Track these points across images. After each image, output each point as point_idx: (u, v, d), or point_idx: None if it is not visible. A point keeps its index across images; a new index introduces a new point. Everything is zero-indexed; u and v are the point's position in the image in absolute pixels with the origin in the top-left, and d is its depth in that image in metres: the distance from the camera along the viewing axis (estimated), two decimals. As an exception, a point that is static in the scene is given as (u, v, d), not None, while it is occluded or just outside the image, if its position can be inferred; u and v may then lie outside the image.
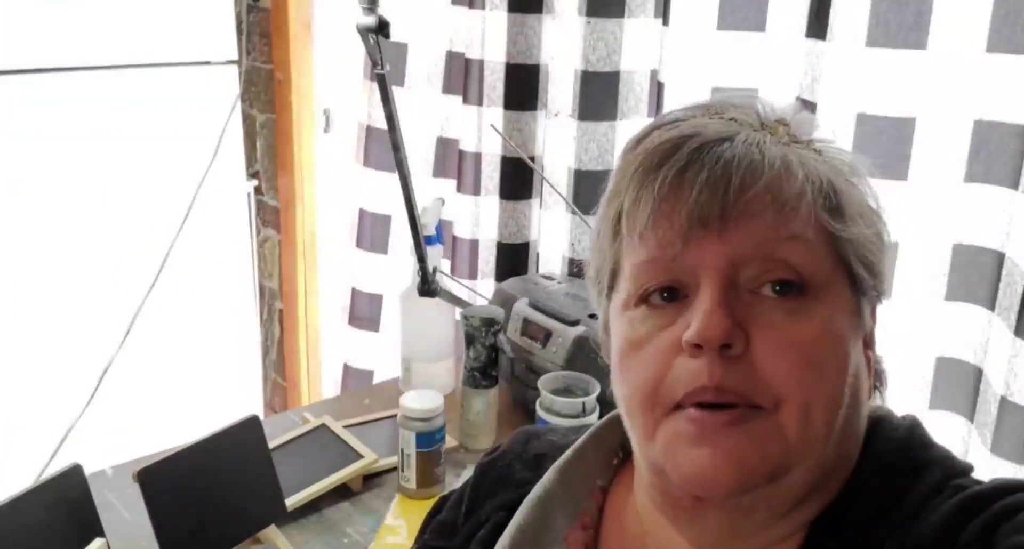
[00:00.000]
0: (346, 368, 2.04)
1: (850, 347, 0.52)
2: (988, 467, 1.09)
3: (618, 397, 0.56)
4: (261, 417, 1.09)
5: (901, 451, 0.54)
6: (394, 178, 1.82)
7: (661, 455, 0.52)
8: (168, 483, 0.98)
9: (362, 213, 1.90)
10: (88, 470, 1.00)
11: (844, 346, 0.51)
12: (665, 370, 0.51)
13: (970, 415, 1.17)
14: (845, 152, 0.56)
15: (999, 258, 1.11)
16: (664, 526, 0.57)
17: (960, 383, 1.18)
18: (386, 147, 1.81)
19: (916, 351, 1.19)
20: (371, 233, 1.91)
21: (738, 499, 0.51)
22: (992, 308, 1.12)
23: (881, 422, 0.56)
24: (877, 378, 0.57)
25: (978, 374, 1.15)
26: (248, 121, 2.42)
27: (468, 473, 1.26)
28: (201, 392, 2.24)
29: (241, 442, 1.06)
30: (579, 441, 0.64)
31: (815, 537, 0.53)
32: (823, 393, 0.50)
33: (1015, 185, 1.08)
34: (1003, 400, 1.08)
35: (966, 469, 0.54)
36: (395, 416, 1.32)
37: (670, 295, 0.53)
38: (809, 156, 0.53)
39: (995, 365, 1.12)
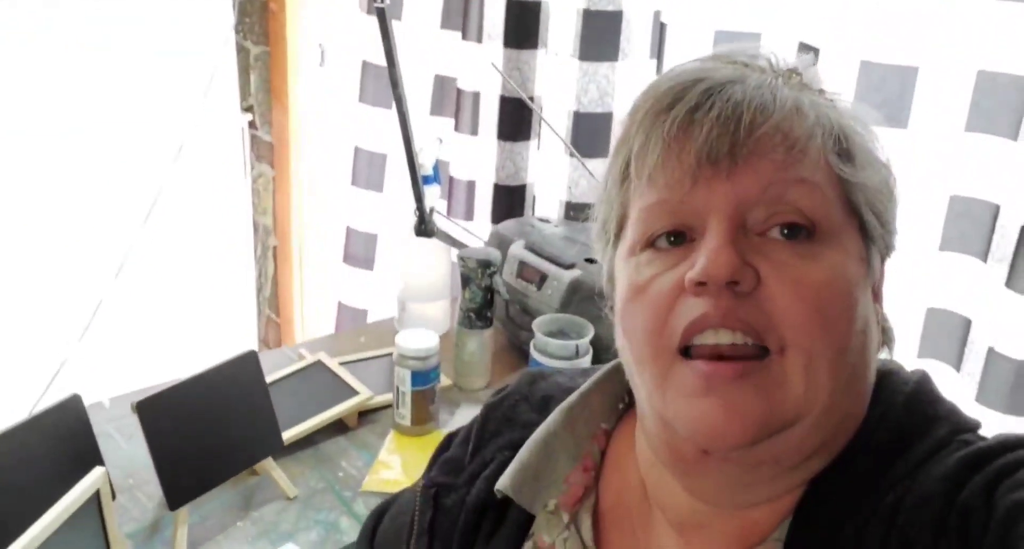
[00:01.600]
0: (340, 306, 2.05)
1: (859, 295, 0.51)
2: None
3: (622, 348, 0.55)
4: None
5: (908, 405, 0.54)
6: (391, 115, 1.80)
7: (670, 407, 0.51)
8: (166, 415, 1.00)
9: (358, 151, 1.89)
10: (86, 402, 1.01)
11: (853, 293, 0.51)
12: (668, 311, 0.51)
13: (957, 365, 1.19)
14: (857, 104, 0.55)
15: (994, 209, 1.11)
16: (664, 475, 0.57)
17: (948, 333, 1.19)
18: (383, 84, 1.79)
19: (908, 300, 1.20)
20: (367, 171, 1.89)
21: (745, 452, 0.50)
22: (985, 259, 1.13)
23: (890, 376, 0.56)
24: (885, 334, 0.56)
25: (967, 324, 1.17)
26: (242, 53, 2.38)
27: (462, 411, 1.28)
28: (195, 328, 2.25)
29: (239, 376, 1.07)
30: (585, 385, 0.64)
31: (818, 489, 0.52)
32: (830, 340, 0.49)
33: (1015, 136, 1.07)
34: (990, 351, 1.10)
35: (974, 425, 0.54)
36: (390, 355, 1.34)
37: (677, 239, 0.52)
38: (820, 101, 0.53)
39: (984, 316, 1.13)
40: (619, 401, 0.65)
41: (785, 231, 0.50)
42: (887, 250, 0.55)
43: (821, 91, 0.55)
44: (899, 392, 0.54)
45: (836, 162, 0.51)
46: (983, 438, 0.52)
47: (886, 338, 0.56)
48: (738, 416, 0.49)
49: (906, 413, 0.54)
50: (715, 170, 0.50)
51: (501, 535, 0.61)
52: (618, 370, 0.63)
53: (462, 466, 0.66)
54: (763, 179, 0.50)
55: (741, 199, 0.50)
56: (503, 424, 0.67)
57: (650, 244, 0.53)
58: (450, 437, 0.71)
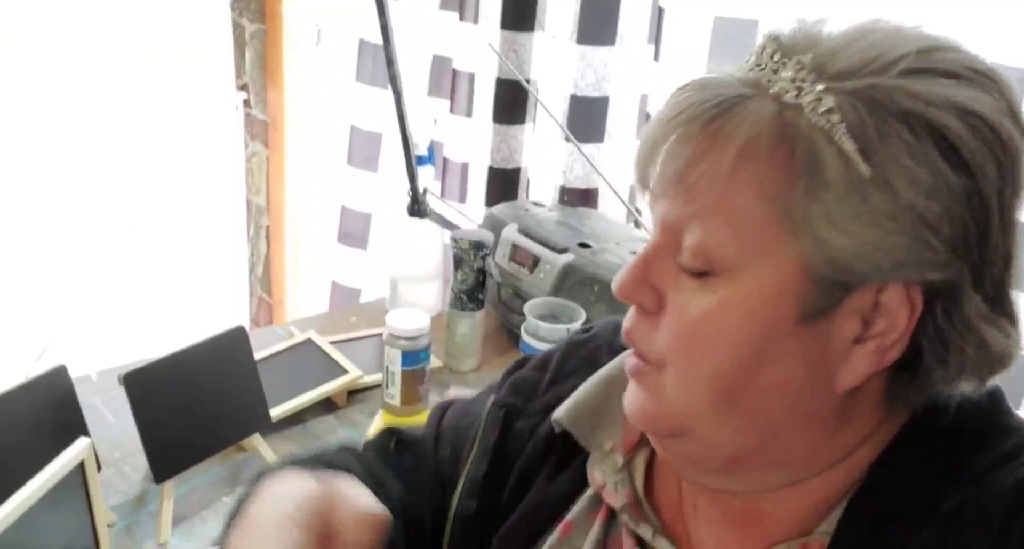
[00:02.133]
0: (334, 285, 2.04)
1: (772, 330, 0.48)
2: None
3: None
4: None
5: (978, 413, 0.53)
6: (386, 95, 1.79)
7: None
8: (153, 388, 0.99)
9: (353, 130, 1.88)
10: (74, 375, 1.00)
11: (747, 328, 0.48)
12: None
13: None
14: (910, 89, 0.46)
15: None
16: None
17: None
18: (379, 63, 1.78)
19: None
20: (362, 151, 1.88)
21: (666, 444, 0.55)
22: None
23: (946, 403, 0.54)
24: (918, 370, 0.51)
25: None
26: (238, 31, 2.36)
27: (452, 392, 1.28)
28: (187, 307, 2.24)
29: (227, 351, 1.06)
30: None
31: (870, 486, 0.52)
32: (703, 370, 0.50)
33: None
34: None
35: None
36: (380, 334, 1.33)
37: None
38: (791, 111, 0.47)
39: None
40: None
41: (687, 259, 0.50)
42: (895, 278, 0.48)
43: (850, 75, 0.47)
44: (967, 400, 0.52)
45: (769, 187, 0.47)
46: None
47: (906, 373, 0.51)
48: (636, 403, 0.54)
49: (975, 420, 0.52)
50: (661, 192, 0.51)
51: (566, 475, 0.62)
52: None
53: (536, 393, 0.67)
54: (671, 208, 0.50)
55: (665, 224, 0.51)
56: (584, 364, 0.67)
57: None
58: (524, 359, 0.72)
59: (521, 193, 1.69)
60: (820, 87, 0.46)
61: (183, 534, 1.00)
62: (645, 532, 0.58)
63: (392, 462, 0.71)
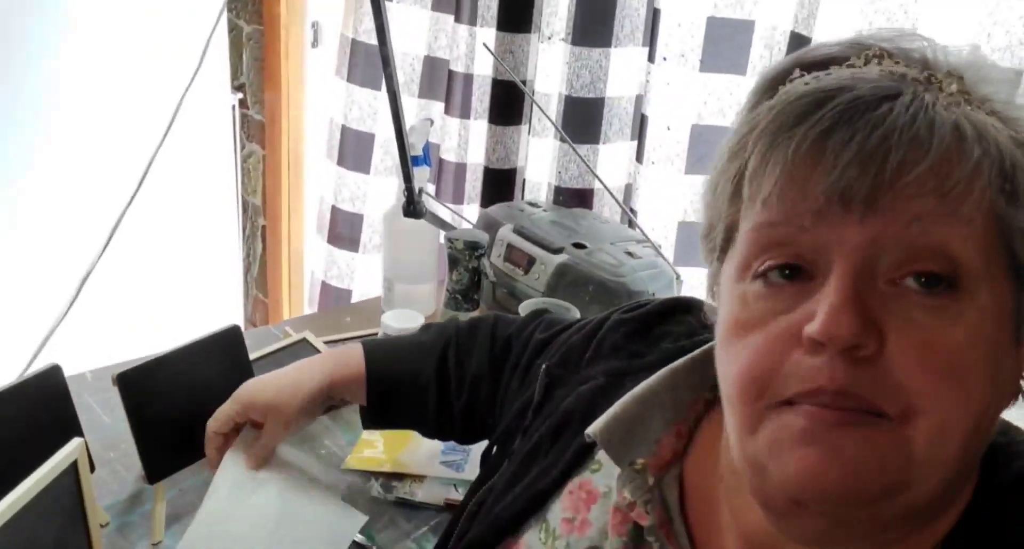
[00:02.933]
0: (323, 286, 2.04)
1: (1003, 356, 0.44)
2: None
3: (720, 375, 0.50)
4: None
5: None
6: (377, 96, 1.79)
7: (764, 451, 0.45)
8: (147, 388, 0.99)
9: (344, 130, 1.88)
10: (68, 374, 1.00)
11: (996, 355, 0.44)
12: (777, 363, 0.45)
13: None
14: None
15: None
16: (743, 490, 0.52)
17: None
18: (371, 63, 1.78)
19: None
20: (353, 151, 1.88)
21: (846, 511, 0.45)
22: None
23: (1009, 433, 0.52)
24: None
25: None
26: (234, 32, 2.36)
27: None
28: (182, 307, 2.24)
29: (222, 350, 1.06)
30: (697, 352, 0.61)
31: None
32: (965, 410, 0.43)
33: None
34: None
35: None
36: (375, 334, 1.33)
37: (792, 273, 0.45)
38: (988, 123, 0.44)
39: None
40: (699, 395, 0.62)
41: (923, 279, 0.43)
42: None
43: (985, 101, 0.46)
44: (1020, 465, 0.50)
45: (1000, 202, 0.43)
46: None
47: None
48: (846, 468, 0.43)
49: None
50: (846, 211, 0.43)
51: (569, 452, 0.63)
52: (687, 368, 0.62)
53: (579, 365, 0.70)
54: (903, 220, 0.42)
55: (874, 242, 0.43)
56: (613, 349, 0.68)
57: (763, 275, 0.46)
58: (583, 324, 0.74)
59: (516, 193, 1.69)
60: (985, 106, 0.46)
61: (176, 534, 0.99)
62: None
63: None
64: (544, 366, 0.70)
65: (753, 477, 0.48)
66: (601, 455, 0.61)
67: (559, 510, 0.62)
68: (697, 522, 0.57)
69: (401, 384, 0.88)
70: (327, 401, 0.91)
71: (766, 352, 0.45)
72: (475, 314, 1.35)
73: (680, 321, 0.68)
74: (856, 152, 0.42)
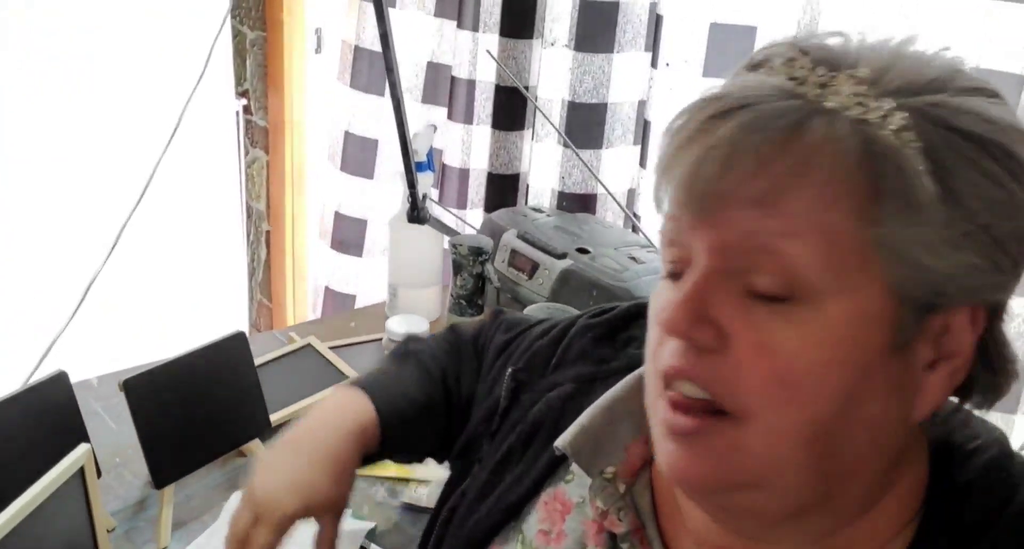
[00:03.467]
0: (327, 291, 2.05)
1: (869, 363, 0.45)
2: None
3: None
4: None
5: (993, 475, 0.51)
6: (381, 102, 1.80)
7: (654, 433, 0.51)
8: (153, 393, 1.00)
9: (347, 136, 1.88)
10: (74, 381, 1.01)
11: (855, 363, 0.45)
12: (659, 346, 0.50)
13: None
14: (980, 114, 0.45)
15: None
16: None
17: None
18: (374, 69, 1.79)
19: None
20: (357, 157, 1.89)
21: (719, 498, 0.50)
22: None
23: (963, 443, 0.53)
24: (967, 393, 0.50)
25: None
26: (238, 38, 2.37)
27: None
28: (187, 312, 2.25)
29: (227, 357, 1.07)
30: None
31: None
32: (797, 416, 0.45)
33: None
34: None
35: None
36: (380, 339, 1.34)
37: (679, 274, 0.49)
38: (856, 132, 0.44)
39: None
40: None
41: (762, 284, 0.45)
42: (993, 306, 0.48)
43: (917, 93, 0.45)
44: (977, 461, 0.52)
45: (859, 207, 0.43)
46: None
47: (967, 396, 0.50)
48: (694, 464, 0.48)
49: (991, 482, 0.51)
50: (700, 212, 0.46)
51: (541, 461, 0.63)
52: None
53: (545, 370, 0.69)
54: (741, 227, 0.45)
55: (721, 246, 0.46)
56: (580, 355, 0.68)
57: (669, 274, 0.50)
58: (551, 326, 0.73)
59: (520, 199, 1.70)
60: (889, 104, 0.45)
61: (183, 539, 1.00)
62: None
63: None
64: (510, 371, 0.70)
65: None
66: (574, 465, 0.62)
67: (535, 522, 0.62)
68: (670, 526, 0.59)
69: (413, 421, 0.75)
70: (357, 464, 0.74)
71: (656, 336, 0.50)
72: (478, 319, 1.35)
73: (644, 325, 0.68)
74: (699, 158, 0.45)
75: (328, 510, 0.67)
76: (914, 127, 0.44)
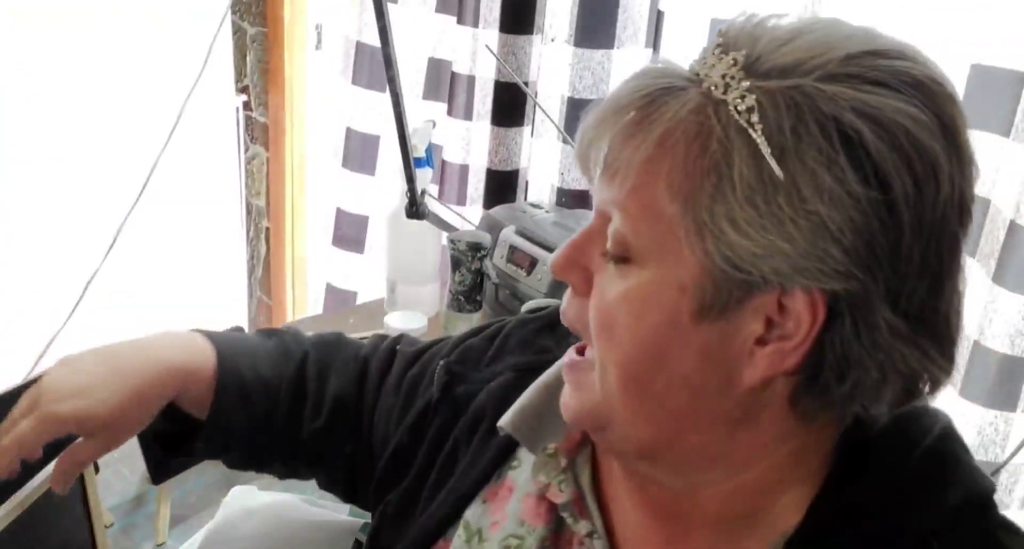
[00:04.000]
0: (329, 288, 2.05)
1: (665, 323, 0.49)
2: (956, 411, 1.12)
3: None
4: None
5: (930, 460, 0.54)
6: (383, 98, 1.80)
7: None
8: (151, 390, 1.00)
9: (349, 132, 1.88)
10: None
11: (647, 318, 0.49)
12: None
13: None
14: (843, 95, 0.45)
15: (984, 204, 1.11)
16: None
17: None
18: (375, 65, 1.79)
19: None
20: (358, 153, 1.89)
21: (593, 436, 0.58)
22: (973, 255, 1.14)
23: (912, 423, 0.55)
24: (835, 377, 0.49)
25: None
26: (238, 34, 2.37)
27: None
28: (187, 309, 2.25)
29: (224, 353, 1.07)
30: None
31: (806, 531, 0.53)
32: (614, 356, 0.51)
33: (1007, 133, 1.08)
34: (975, 344, 1.11)
35: (985, 496, 0.53)
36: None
37: None
38: (714, 107, 0.46)
39: (971, 310, 1.14)
40: None
41: (610, 243, 0.51)
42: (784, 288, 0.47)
43: (753, 108, 0.46)
44: (916, 440, 0.54)
45: (680, 181, 0.47)
46: (997, 519, 0.53)
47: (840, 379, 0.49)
48: (567, 402, 0.56)
49: (918, 472, 0.53)
50: (586, 175, 0.53)
51: (488, 450, 0.65)
52: None
53: (480, 363, 0.70)
54: (601, 193, 0.52)
55: (596, 209, 0.53)
56: (520, 345, 0.70)
57: None
58: (482, 327, 0.74)
59: (519, 195, 1.70)
60: (746, 85, 0.46)
61: (180, 535, 1.00)
62: (582, 529, 0.59)
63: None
64: (442, 363, 0.70)
65: None
66: (521, 452, 0.64)
67: (481, 511, 0.64)
68: (611, 496, 0.61)
69: (252, 393, 0.70)
70: (162, 403, 0.68)
71: None
72: (478, 316, 1.35)
73: None
74: (586, 127, 0.51)
75: (102, 431, 0.65)
76: (762, 109, 0.45)
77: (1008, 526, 0.53)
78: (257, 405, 0.70)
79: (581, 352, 0.55)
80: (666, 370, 0.50)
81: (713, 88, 0.47)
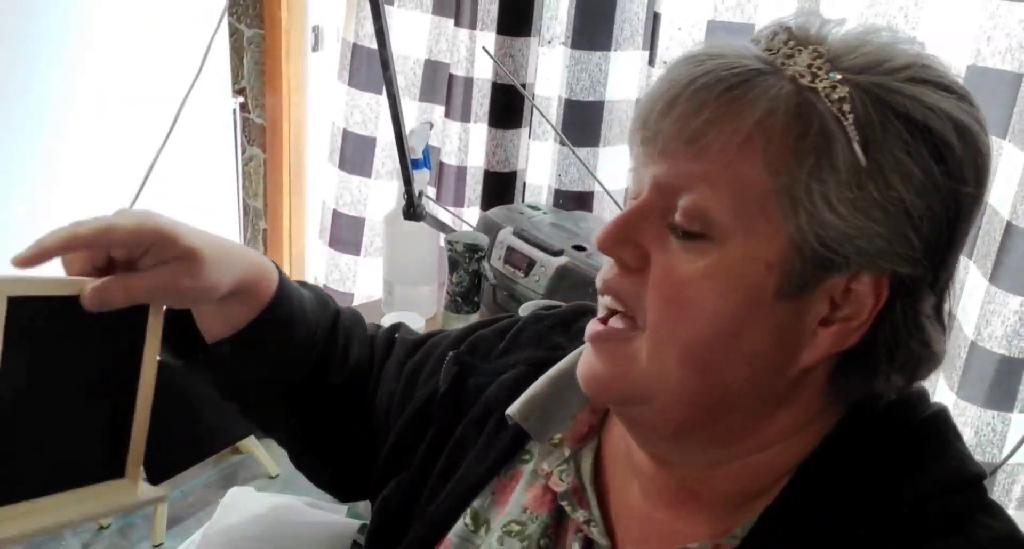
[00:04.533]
0: (325, 290, 2.04)
1: (744, 300, 0.50)
2: (953, 412, 1.12)
3: None
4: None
5: (918, 435, 0.55)
6: (379, 100, 1.80)
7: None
8: (149, 391, 0.99)
9: (346, 134, 1.88)
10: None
11: (729, 295, 0.50)
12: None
13: (939, 358, 1.20)
14: (904, 92, 0.49)
15: (981, 206, 1.11)
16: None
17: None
18: (372, 67, 1.79)
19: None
20: (354, 155, 1.89)
21: (620, 409, 0.57)
22: (970, 256, 1.14)
23: (906, 402, 0.56)
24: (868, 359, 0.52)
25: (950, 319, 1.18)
26: (235, 36, 2.37)
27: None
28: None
29: (222, 354, 1.06)
30: None
31: (789, 494, 0.54)
32: (680, 334, 0.51)
33: (1003, 134, 1.08)
34: (973, 345, 1.11)
35: (971, 479, 0.54)
36: (376, 337, 1.33)
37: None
38: (799, 99, 0.48)
39: (968, 310, 1.14)
40: None
41: (681, 220, 0.51)
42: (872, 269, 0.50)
43: (830, 87, 0.49)
44: (908, 420, 0.55)
45: (774, 160, 0.48)
46: (987, 506, 0.53)
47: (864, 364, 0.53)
48: (594, 371, 0.55)
49: (911, 441, 0.54)
50: (647, 147, 0.52)
51: (499, 442, 0.65)
52: None
53: (490, 355, 0.71)
54: (672, 166, 0.51)
55: (657, 182, 0.52)
56: (534, 340, 0.70)
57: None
58: (492, 320, 0.75)
59: (516, 196, 1.70)
60: (837, 76, 0.49)
61: (178, 535, 1.00)
62: (580, 517, 0.60)
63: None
64: (452, 354, 0.71)
65: None
66: (532, 445, 0.65)
67: (490, 501, 0.65)
68: (612, 487, 0.63)
69: (293, 329, 0.68)
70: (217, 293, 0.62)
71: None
72: (475, 317, 1.35)
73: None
74: (649, 101, 0.52)
75: (182, 260, 0.58)
76: (853, 101, 0.48)
77: (991, 508, 0.54)
78: (296, 334, 0.68)
79: (602, 317, 0.55)
80: (736, 348, 0.51)
81: (798, 76, 0.49)
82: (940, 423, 0.56)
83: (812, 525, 0.52)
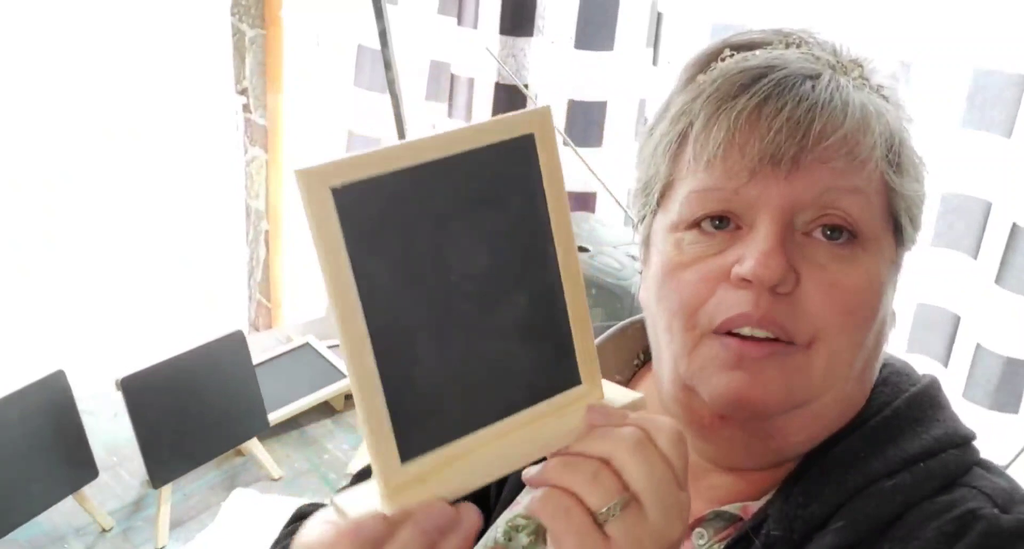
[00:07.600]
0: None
1: (885, 295, 0.55)
2: (958, 413, 1.11)
3: (653, 311, 0.58)
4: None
5: (911, 401, 0.57)
6: (383, 100, 1.79)
7: (696, 374, 0.54)
8: (151, 392, 0.99)
9: (349, 134, 1.88)
10: (72, 379, 1.00)
11: (880, 296, 0.54)
12: (708, 295, 0.53)
13: (945, 360, 1.19)
14: (905, 101, 0.56)
15: (986, 206, 1.11)
16: None
17: (937, 328, 1.20)
18: (376, 67, 1.78)
19: (897, 295, 1.21)
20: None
21: (760, 422, 0.55)
22: (975, 256, 1.13)
23: (900, 374, 0.59)
24: (892, 317, 0.59)
25: (956, 320, 1.17)
26: (237, 36, 2.36)
27: None
28: (186, 311, 2.24)
29: (225, 356, 1.06)
30: (600, 338, 0.66)
31: (804, 466, 0.56)
32: (853, 338, 0.53)
33: (1009, 134, 1.07)
34: (978, 347, 1.10)
35: (967, 437, 0.56)
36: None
37: (722, 223, 0.54)
38: (882, 105, 0.54)
39: (973, 312, 1.13)
40: (634, 357, 0.68)
41: (829, 232, 0.53)
42: (911, 245, 0.58)
43: (879, 87, 0.55)
44: (904, 388, 0.58)
45: (888, 172, 0.53)
46: (980, 464, 0.55)
47: (892, 321, 0.59)
48: (761, 388, 0.52)
49: (906, 407, 0.57)
50: (775, 170, 0.51)
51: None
52: (635, 327, 0.66)
53: None
54: (820, 185, 0.52)
55: (795, 201, 0.52)
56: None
57: (696, 224, 0.54)
58: None
59: (520, 197, 1.69)
60: (895, 86, 0.56)
61: (180, 538, 0.99)
62: None
63: None
64: None
65: (684, 398, 0.56)
66: None
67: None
68: None
69: None
70: None
71: (701, 286, 0.53)
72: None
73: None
74: (786, 120, 0.51)
75: None
76: (904, 111, 0.56)
77: (986, 464, 0.56)
78: None
79: (750, 341, 0.52)
80: (881, 340, 0.56)
81: (855, 77, 0.55)
82: (935, 390, 0.59)
83: (835, 483, 0.53)
